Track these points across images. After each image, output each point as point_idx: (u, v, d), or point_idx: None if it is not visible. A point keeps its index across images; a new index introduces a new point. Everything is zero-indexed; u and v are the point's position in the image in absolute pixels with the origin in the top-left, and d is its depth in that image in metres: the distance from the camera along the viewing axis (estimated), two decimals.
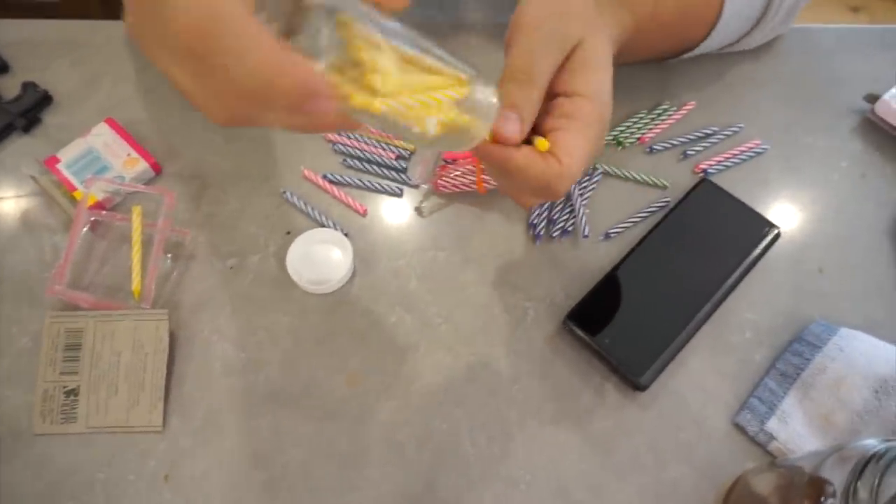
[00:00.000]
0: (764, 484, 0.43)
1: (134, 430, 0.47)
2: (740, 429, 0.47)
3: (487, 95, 0.34)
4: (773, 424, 0.47)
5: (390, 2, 0.30)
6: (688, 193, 0.54)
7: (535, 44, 0.37)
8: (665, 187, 0.56)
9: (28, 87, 0.58)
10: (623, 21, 0.46)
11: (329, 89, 0.27)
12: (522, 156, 0.36)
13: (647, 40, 0.49)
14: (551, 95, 0.38)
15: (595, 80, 0.38)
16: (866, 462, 0.34)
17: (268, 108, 0.27)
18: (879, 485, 0.33)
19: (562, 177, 0.36)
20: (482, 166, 0.53)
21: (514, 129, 0.35)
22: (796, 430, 0.46)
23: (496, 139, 0.36)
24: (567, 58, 0.38)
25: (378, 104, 0.31)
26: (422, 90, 0.32)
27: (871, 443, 0.37)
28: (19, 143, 0.57)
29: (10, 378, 0.48)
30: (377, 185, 0.55)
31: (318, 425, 0.47)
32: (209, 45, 0.25)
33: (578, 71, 0.38)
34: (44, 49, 0.61)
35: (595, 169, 0.56)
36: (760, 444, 0.47)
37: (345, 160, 0.56)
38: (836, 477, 0.37)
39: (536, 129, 0.38)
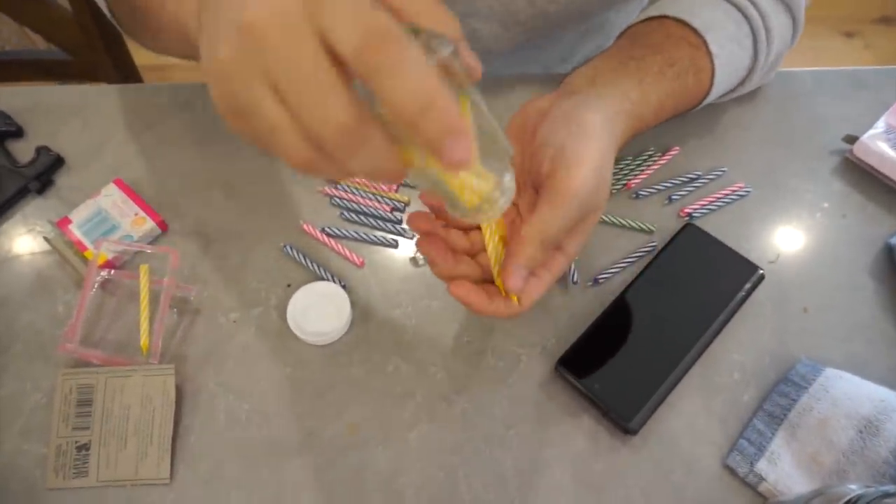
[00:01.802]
0: None
1: (143, 483, 0.49)
2: (731, 470, 0.48)
3: (511, 181, 0.37)
4: (762, 465, 0.48)
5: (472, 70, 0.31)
6: (673, 238, 0.56)
7: (569, 217, 0.41)
8: (651, 232, 0.58)
9: (41, 151, 0.61)
10: (632, 128, 0.49)
11: (468, 132, 0.26)
12: (496, 308, 0.42)
13: (646, 128, 0.53)
14: None
15: (581, 243, 0.45)
16: None
17: (385, 143, 0.27)
18: None
19: (515, 315, 0.43)
20: None
21: (521, 286, 0.41)
22: (785, 471, 0.48)
23: (505, 286, 0.41)
24: None
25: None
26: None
27: (852, 487, 0.39)
28: (34, 205, 0.60)
29: (25, 433, 0.50)
30: (374, 237, 0.58)
31: (319, 474, 0.49)
32: (381, 52, 0.25)
33: (577, 234, 0.44)
34: (56, 114, 0.65)
35: None
36: (751, 486, 0.48)
37: (342, 213, 0.59)
38: None
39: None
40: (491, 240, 0.43)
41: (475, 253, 0.45)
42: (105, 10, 0.57)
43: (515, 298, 0.43)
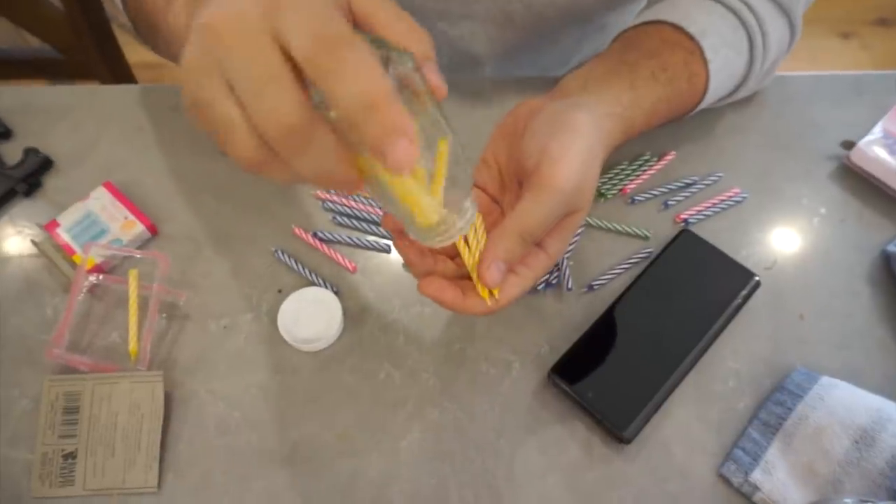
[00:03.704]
0: None
1: (130, 492, 0.48)
2: (725, 480, 0.48)
3: (471, 206, 0.37)
4: (757, 475, 0.47)
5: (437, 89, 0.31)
6: (668, 244, 0.55)
7: (551, 211, 0.40)
8: (647, 238, 0.57)
9: (29, 152, 0.60)
10: (623, 132, 0.49)
11: (412, 135, 0.26)
12: (471, 304, 0.41)
13: (638, 133, 0.52)
14: None
15: (565, 243, 0.43)
16: None
17: (328, 145, 0.27)
18: None
19: (490, 312, 0.41)
20: None
21: (499, 279, 0.40)
22: (780, 481, 0.47)
23: (480, 279, 0.40)
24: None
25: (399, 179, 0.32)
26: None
27: (847, 502, 0.38)
28: (21, 207, 0.59)
29: (11, 441, 0.50)
30: (366, 242, 0.57)
31: (309, 483, 0.48)
32: (331, 54, 0.25)
33: (560, 233, 0.43)
34: (45, 114, 0.64)
35: None
36: (745, 496, 0.47)
37: (334, 217, 0.58)
38: None
39: None
40: (474, 237, 0.42)
41: (453, 255, 0.44)
42: (125, 22, 0.56)
43: (492, 294, 0.41)
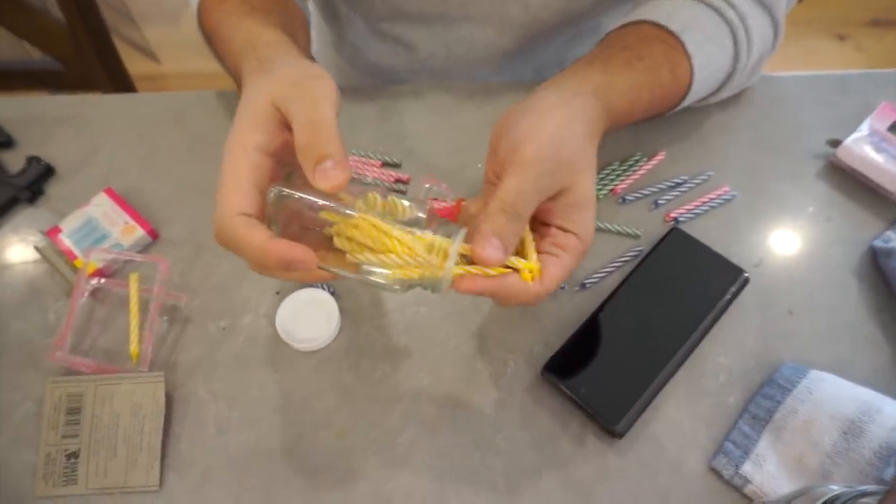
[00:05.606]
0: None
1: (132, 491, 0.49)
2: (716, 473, 0.49)
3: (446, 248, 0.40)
4: (748, 468, 0.48)
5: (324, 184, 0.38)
6: (658, 242, 0.56)
7: (527, 184, 0.42)
8: (638, 236, 0.58)
9: (32, 160, 0.62)
10: (601, 111, 0.48)
11: (303, 256, 0.38)
12: (512, 283, 0.42)
13: (619, 126, 0.53)
14: (545, 224, 0.45)
15: (586, 219, 0.44)
16: None
17: (271, 271, 0.40)
18: None
19: (539, 297, 0.42)
20: None
21: (498, 255, 0.41)
22: (771, 473, 0.48)
23: (479, 261, 0.41)
24: (558, 195, 0.43)
25: (351, 267, 0.41)
26: (385, 250, 0.40)
27: (832, 487, 0.39)
28: (24, 215, 0.61)
29: (15, 441, 0.51)
30: None
31: (308, 481, 0.49)
32: (228, 243, 0.39)
33: (571, 211, 0.44)
34: (46, 123, 0.65)
35: None
36: (736, 488, 0.48)
37: None
38: None
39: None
40: None
41: None
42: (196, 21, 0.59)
43: (533, 273, 0.42)
